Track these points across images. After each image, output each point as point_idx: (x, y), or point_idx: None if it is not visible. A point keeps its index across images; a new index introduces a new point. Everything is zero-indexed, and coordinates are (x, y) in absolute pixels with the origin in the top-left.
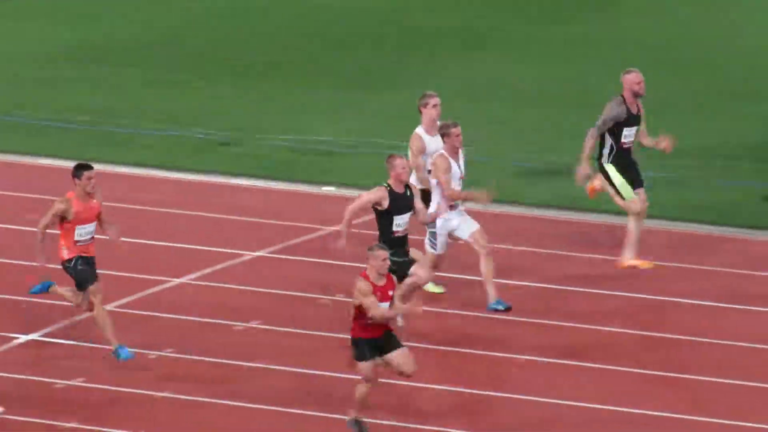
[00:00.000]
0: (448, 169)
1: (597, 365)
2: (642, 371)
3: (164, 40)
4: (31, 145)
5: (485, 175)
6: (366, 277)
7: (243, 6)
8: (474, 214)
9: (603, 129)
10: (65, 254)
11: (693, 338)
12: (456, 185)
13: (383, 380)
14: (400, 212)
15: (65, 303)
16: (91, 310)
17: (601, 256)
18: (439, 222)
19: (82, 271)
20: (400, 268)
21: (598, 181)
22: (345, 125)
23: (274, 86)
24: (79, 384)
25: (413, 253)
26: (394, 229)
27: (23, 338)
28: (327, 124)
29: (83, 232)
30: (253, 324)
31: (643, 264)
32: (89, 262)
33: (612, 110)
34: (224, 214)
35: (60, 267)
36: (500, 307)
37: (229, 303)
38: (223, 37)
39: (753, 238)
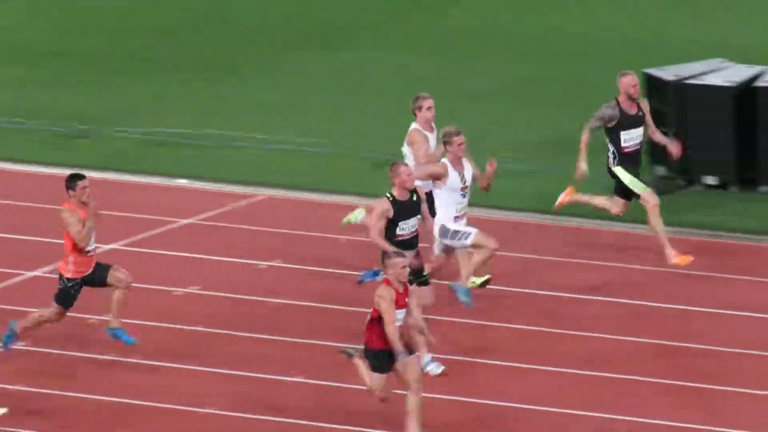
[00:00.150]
0: (444, 176)
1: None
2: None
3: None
4: None
5: (341, 166)
6: (389, 284)
7: None
8: None
9: (593, 126)
10: (70, 272)
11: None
12: (458, 197)
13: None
14: (405, 218)
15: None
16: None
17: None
18: (449, 225)
19: (72, 298)
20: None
21: (568, 197)
22: (193, 117)
23: (125, 79)
24: None
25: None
26: (398, 232)
27: None
28: (176, 115)
29: (93, 242)
30: (104, 317)
31: (684, 259)
32: (85, 282)
33: (601, 111)
34: None
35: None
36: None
37: (80, 296)
38: (64, 28)
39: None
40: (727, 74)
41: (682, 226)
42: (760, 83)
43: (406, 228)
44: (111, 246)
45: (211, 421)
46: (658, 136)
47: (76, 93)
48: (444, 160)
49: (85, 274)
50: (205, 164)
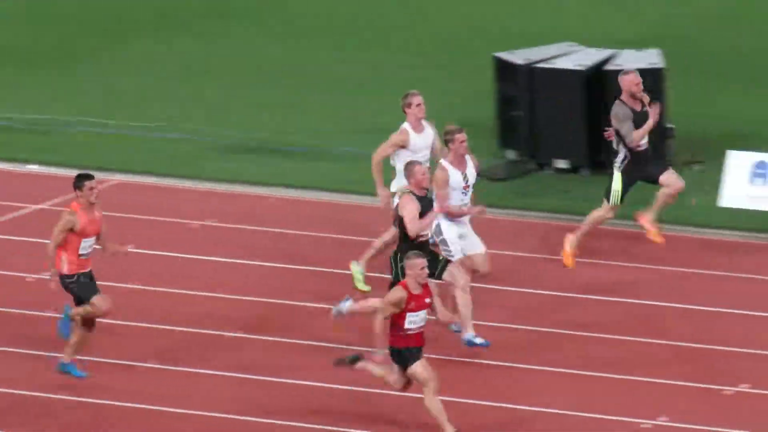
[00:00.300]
0: (446, 182)
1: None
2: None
3: None
4: None
5: (181, 150)
6: (405, 287)
7: None
8: None
9: (630, 133)
10: (65, 269)
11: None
12: (459, 195)
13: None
14: (424, 215)
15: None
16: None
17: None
18: (444, 226)
19: (85, 286)
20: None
21: (647, 222)
22: (45, 103)
23: None
24: None
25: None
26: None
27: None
28: (27, 101)
29: (86, 245)
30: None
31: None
32: (90, 277)
33: (620, 112)
34: None
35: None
36: (478, 342)
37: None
38: None
39: None
40: (576, 58)
41: (533, 210)
42: (609, 67)
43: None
44: None
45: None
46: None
47: None
48: (443, 161)
49: (84, 272)
50: (54, 149)
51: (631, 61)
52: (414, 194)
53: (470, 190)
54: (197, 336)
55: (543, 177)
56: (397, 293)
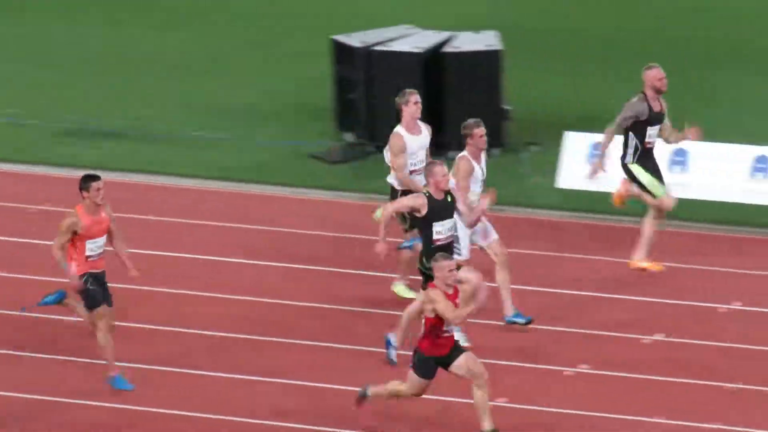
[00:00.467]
0: (470, 172)
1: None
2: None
3: None
4: None
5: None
6: (436, 289)
7: None
8: None
9: (623, 126)
10: (74, 269)
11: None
12: (477, 187)
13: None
14: (440, 219)
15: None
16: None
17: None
18: (460, 224)
19: (93, 292)
20: None
21: (624, 187)
22: None
23: None
24: None
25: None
26: (435, 237)
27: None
28: None
29: (94, 246)
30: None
31: (653, 266)
32: (99, 280)
33: (633, 107)
34: None
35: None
36: (520, 321)
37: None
38: None
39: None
40: (414, 40)
41: (370, 192)
42: (447, 49)
43: (442, 231)
44: None
45: None
46: (674, 137)
47: None
48: (464, 152)
49: (92, 271)
50: None
51: (469, 43)
52: (430, 194)
53: (483, 185)
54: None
55: (381, 159)
56: (433, 294)
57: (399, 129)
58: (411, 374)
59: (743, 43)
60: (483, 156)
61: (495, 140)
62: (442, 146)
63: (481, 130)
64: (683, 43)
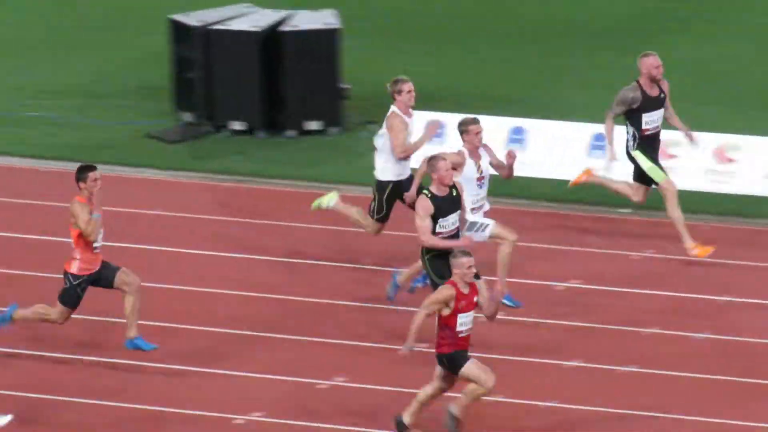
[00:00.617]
0: (461, 166)
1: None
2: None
3: None
4: None
5: None
6: (454, 285)
7: None
8: None
9: (615, 112)
10: (75, 268)
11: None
12: (474, 189)
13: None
14: (445, 215)
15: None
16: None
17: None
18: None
19: (77, 298)
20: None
21: (585, 176)
22: None
23: None
24: None
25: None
26: (437, 230)
27: None
28: None
29: (100, 238)
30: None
31: (704, 250)
32: (91, 281)
33: (623, 94)
34: None
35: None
36: (510, 303)
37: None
38: None
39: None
40: (252, 19)
41: (209, 172)
42: (285, 28)
43: (446, 225)
44: None
45: None
46: (676, 121)
47: None
48: (462, 148)
49: (92, 272)
50: None
51: (307, 21)
52: (432, 194)
53: (485, 183)
54: None
55: (219, 139)
56: (446, 291)
57: (395, 109)
58: (450, 375)
59: (583, 23)
60: (484, 154)
61: (333, 119)
62: (281, 126)
63: (477, 128)
64: (520, 20)
